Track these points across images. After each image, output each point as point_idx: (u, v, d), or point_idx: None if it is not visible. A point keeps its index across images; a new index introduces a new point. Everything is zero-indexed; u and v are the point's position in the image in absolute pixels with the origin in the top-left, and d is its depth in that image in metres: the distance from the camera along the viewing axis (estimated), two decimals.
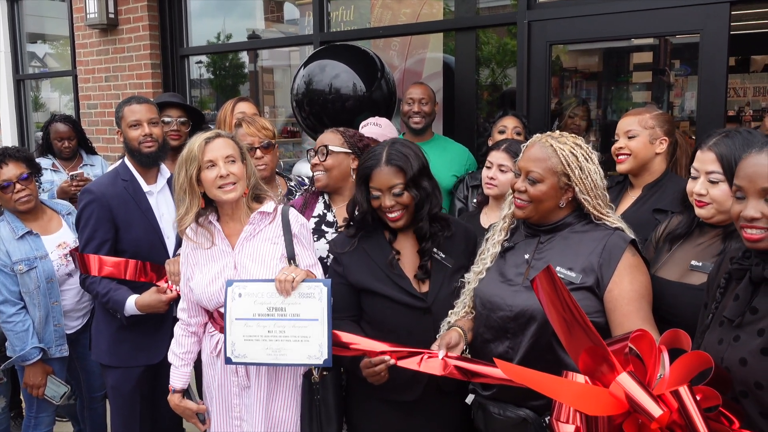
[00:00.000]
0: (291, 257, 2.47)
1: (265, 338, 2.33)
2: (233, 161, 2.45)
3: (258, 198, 2.57)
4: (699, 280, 2.15)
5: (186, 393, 2.64)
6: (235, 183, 2.44)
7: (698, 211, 2.19)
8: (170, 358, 2.67)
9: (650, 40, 6.47)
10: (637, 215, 2.76)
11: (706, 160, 2.13)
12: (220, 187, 2.42)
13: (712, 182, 2.12)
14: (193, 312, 2.62)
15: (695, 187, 2.17)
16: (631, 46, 6.78)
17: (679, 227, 2.32)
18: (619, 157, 2.89)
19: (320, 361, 2.30)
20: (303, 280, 2.31)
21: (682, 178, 2.93)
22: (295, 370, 2.52)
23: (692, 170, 2.20)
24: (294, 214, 2.56)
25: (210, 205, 2.53)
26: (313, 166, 2.93)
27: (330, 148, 2.88)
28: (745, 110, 7.67)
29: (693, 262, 2.20)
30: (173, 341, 2.68)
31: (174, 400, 2.63)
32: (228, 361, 2.38)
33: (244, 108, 3.59)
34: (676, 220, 2.37)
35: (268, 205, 2.53)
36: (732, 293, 1.78)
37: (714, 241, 2.20)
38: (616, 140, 2.92)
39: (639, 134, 2.85)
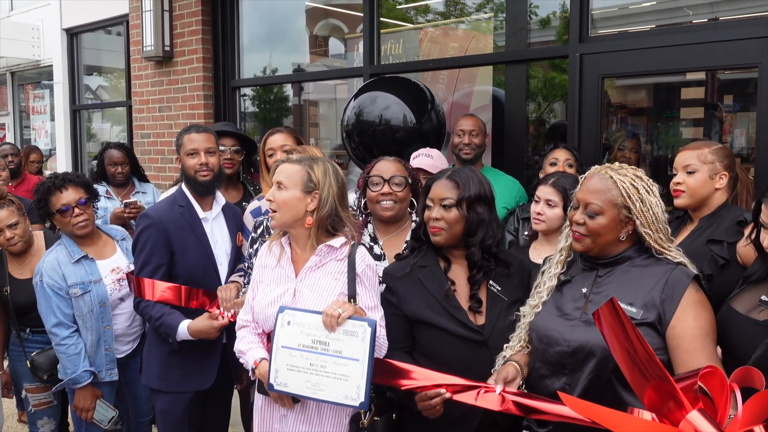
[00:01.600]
0: (351, 296, 2.42)
1: (306, 370, 2.29)
2: (280, 188, 2.46)
3: (331, 231, 2.51)
4: (763, 316, 2.09)
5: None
6: (275, 210, 2.45)
7: None
8: (238, 356, 2.60)
9: (700, 76, 6.39)
10: (691, 247, 2.69)
11: None
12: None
13: None
14: (254, 321, 2.60)
15: (765, 240, 2.12)
16: (679, 82, 6.70)
17: (756, 274, 2.25)
18: (676, 191, 2.84)
19: (356, 404, 2.23)
20: (350, 317, 2.26)
21: (739, 207, 2.87)
22: (340, 410, 2.45)
23: (761, 220, 2.13)
24: (362, 254, 2.51)
25: None
26: (382, 195, 2.86)
27: (408, 179, 2.88)
28: None
29: (763, 297, 2.13)
30: (237, 341, 2.60)
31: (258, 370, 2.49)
32: (270, 387, 2.36)
33: (274, 142, 3.58)
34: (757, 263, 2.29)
35: (337, 240, 2.48)
36: None
37: None
38: (675, 174, 2.86)
39: (698, 169, 2.79)
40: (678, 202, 2.84)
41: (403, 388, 2.31)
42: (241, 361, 2.59)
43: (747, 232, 2.61)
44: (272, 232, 2.66)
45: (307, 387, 2.30)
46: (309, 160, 2.51)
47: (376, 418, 2.41)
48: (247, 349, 2.54)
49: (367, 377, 2.22)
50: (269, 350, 2.43)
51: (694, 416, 1.56)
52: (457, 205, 2.41)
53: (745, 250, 2.63)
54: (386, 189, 2.86)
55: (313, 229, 2.47)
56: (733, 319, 2.17)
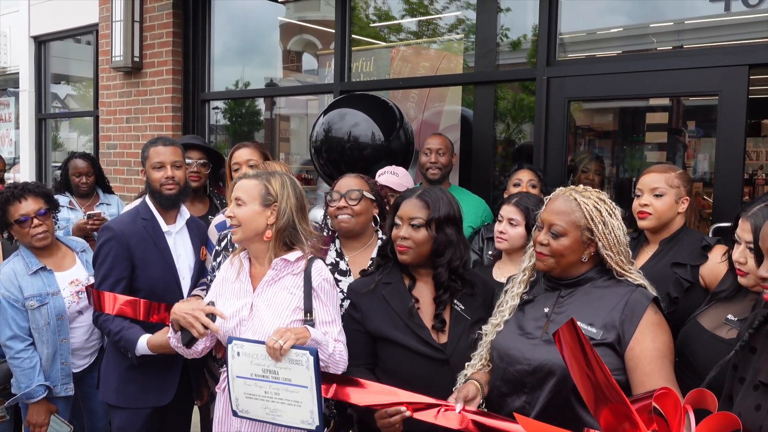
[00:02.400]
0: (308, 310, 2.43)
1: (263, 398, 2.31)
2: (239, 205, 2.46)
3: (289, 245, 2.51)
4: (729, 334, 2.13)
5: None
6: (236, 225, 2.45)
7: (740, 280, 2.17)
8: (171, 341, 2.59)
9: (665, 101, 6.53)
10: (655, 270, 2.73)
11: (745, 230, 2.10)
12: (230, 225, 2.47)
13: (751, 250, 2.08)
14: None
15: (735, 254, 2.15)
16: (645, 107, 6.84)
17: (726, 291, 2.30)
18: (641, 213, 2.87)
19: (312, 427, 2.25)
20: (292, 347, 2.25)
21: (696, 231, 2.94)
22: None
23: (736, 236, 2.17)
24: (318, 268, 2.51)
25: None
26: (338, 209, 2.88)
27: (364, 193, 2.88)
28: (758, 174, 7.67)
29: (729, 316, 2.17)
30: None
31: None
32: (234, 413, 2.38)
33: (240, 156, 3.56)
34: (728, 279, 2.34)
35: (292, 254, 2.49)
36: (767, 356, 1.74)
37: (752, 302, 2.17)
38: (639, 195, 2.89)
39: (666, 193, 2.83)
40: (643, 224, 2.88)
41: (362, 405, 2.31)
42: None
43: (716, 253, 2.67)
44: (237, 246, 2.64)
45: (266, 413, 2.32)
46: (266, 175, 2.53)
47: None
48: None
49: (318, 402, 2.24)
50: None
51: None
52: (426, 225, 2.42)
53: (708, 273, 2.70)
54: (342, 203, 2.88)
55: (272, 242, 2.48)
56: (699, 335, 2.21)
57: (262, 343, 2.28)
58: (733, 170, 3.63)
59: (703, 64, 3.71)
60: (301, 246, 2.51)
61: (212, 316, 2.45)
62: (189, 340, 2.45)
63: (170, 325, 2.52)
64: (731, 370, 1.87)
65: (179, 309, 2.46)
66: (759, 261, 1.98)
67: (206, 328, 2.41)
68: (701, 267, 2.74)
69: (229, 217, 2.46)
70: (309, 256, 2.52)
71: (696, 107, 6.78)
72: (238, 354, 2.32)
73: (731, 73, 3.62)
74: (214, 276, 2.88)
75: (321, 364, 2.31)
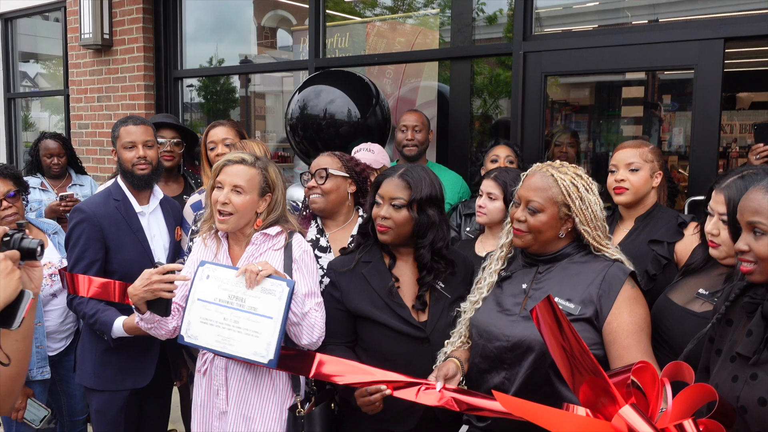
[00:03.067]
0: None
1: (219, 324, 2.31)
2: (239, 192, 2.41)
3: (271, 226, 2.52)
4: (701, 308, 2.15)
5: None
6: (231, 214, 2.40)
7: (711, 252, 2.18)
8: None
9: (640, 76, 6.55)
10: (632, 247, 2.75)
11: (718, 201, 2.10)
12: (218, 212, 2.41)
13: (724, 222, 2.09)
14: None
15: (708, 225, 2.16)
16: (621, 81, 6.86)
17: (696, 262, 2.32)
18: (618, 189, 2.87)
19: (264, 361, 2.25)
20: (269, 276, 2.27)
21: (670, 208, 2.97)
22: (280, 403, 2.47)
23: (709, 208, 2.18)
24: (298, 240, 2.52)
25: None
26: (309, 189, 2.89)
27: (330, 171, 2.86)
28: (732, 146, 7.76)
29: (701, 290, 2.19)
30: None
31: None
32: (180, 339, 2.37)
33: (216, 135, 3.54)
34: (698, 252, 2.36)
35: (272, 229, 2.49)
36: (744, 328, 1.76)
37: (723, 275, 2.19)
38: (614, 171, 2.90)
39: (641, 167, 2.84)
40: (620, 199, 2.88)
41: (342, 383, 2.30)
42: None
43: (692, 230, 2.69)
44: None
45: (216, 341, 2.31)
46: (261, 162, 2.51)
47: (313, 409, 2.42)
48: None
49: (279, 336, 2.24)
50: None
51: (626, 411, 1.59)
52: (407, 206, 2.40)
53: (682, 249, 2.71)
54: (312, 183, 2.88)
55: (255, 228, 2.50)
56: (671, 310, 2.23)
57: (237, 268, 2.30)
58: (709, 143, 3.65)
59: (679, 37, 3.70)
60: (281, 224, 2.52)
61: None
62: (165, 308, 2.37)
63: (135, 309, 2.43)
64: (707, 342, 1.89)
65: (135, 288, 2.34)
66: (734, 234, 2.00)
67: (172, 282, 2.33)
68: (677, 244, 2.76)
69: (225, 203, 2.39)
70: (289, 230, 2.52)
71: (671, 81, 6.81)
72: (207, 277, 2.33)
73: (707, 46, 3.62)
74: None
75: (294, 319, 2.33)
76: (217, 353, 2.38)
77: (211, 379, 2.50)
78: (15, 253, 1.47)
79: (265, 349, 2.25)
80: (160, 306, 2.37)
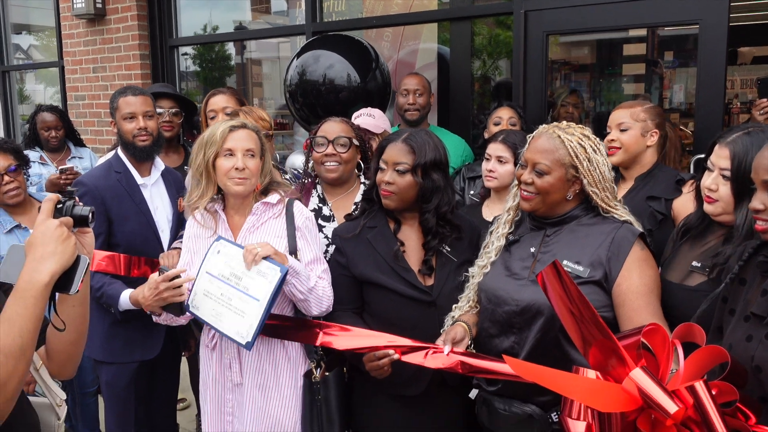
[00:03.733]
0: (293, 251, 2.42)
1: (216, 299, 2.34)
2: (252, 156, 2.41)
3: (266, 192, 2.52)
4: (695, 281, 2.13)
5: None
6: (247, 178, 2.39)
7: (706, 207, 2.14)
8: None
9: (641, 33, 6.46)
10: (631, 204, 2.71)
11: (721, 156, 2.07)
12: (231, 178, 2.38)
13: (724, 178, 2.07)
14: None
15: (707, 180, 2.12)
16: (622, 38, 6.77)
17: (691, 219, 2.29)
18: (611, 149, 2.88)
19: (243, 342, 2.28)
20: (267, 258, 2.27)
21: (671, 168, 2.96)
22: (294, 371, 2.49)
23: (709, 162, 2.14)
24: (299, 207, 2.51)
25: (218, 192, 2.49)
26: (327, 156, 2.80)
27: (353, 141, 2.83)
28: (733, 102, 7.69)
29: (693, 263, 2.17)
30: None
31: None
32: (186, 307, 2.39)
33: (216, 103, 3.50)
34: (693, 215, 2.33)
35: (273, 197, 2.48)
36: (759, 288, 1.74)
37: (718, 242, 2.15)
38: (608, 132, 2.93)
39: (631, 127, 2.87)
40: (612, 159, 2.85)
41: (349, 349, 2.32)
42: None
43: (688, 187, 2.68)
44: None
45: (211, 315, 2.35)
46: (255, 126, 2.52)
47: (326, 373, 2.43)
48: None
49: (261, 320, 2.26)
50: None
51: (637, 373, 1.58)
52: (411, 171, 2.37)
53: (679, 206, 2.71)
54: (330, 150, 2.79)
55: (255, 193, 2.49)
56: (669, 290, 2.18)
57: (243, 247, 2.32)
58: (714, 101, 3.61)
59: None
60: (277, 189, 2.51)
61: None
62: (179, 308, 2.40)
63: (151, 314, 2.47)
64: (720, 302, 1.87)
65: (146, 299, 2.38)
66: (738, 191, 1.99)
67: (180, 286, 2.35)
68: (674, 201, 2.76)
69: (243, 168, 2.36)
70: (287, 198, 2.51)
71: (672, 37, 6.72)
72: (218, 252, 2.36)
73: (712, 0, 3.55)
74: None
75: (299, 296, 2.35)
76: (209, 326, 2.42)
77: (222, 353, 2.50)
78: (69, 219, 1.50)
79: (246, 331, 2.27)
80: (174, 307, 2.39)
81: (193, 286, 2.37)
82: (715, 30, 3.56)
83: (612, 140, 2.89)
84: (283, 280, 2.25)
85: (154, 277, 2.36)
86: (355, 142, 2.84)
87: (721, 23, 3.54)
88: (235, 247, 2.34)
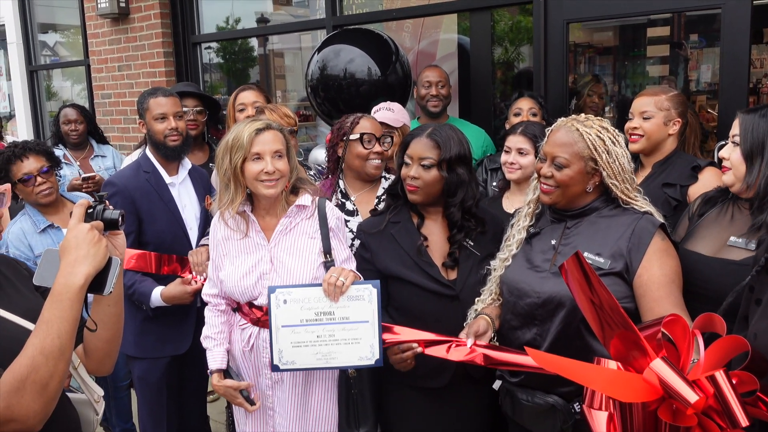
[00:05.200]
0: (327, 251, 2.45)
1: (314, 343, 2.30)
2: (280, 156, 2.40)
3: (295, 190, 2.52)
4: (739, 256, 2.10)
5: (226, 373, 2.57)
6: (278, 180, 2.39)
7: (723, 178, 2.18)
8: (203, 341, 2.61)
9: (666, 14, 6.37)
10: (647, 191, 2.70)
11: (735, 125, 2.11)
12: (262, 181, 2.37)
13: (734, 144, 2.09)
14: (222, 294, 2.59)
15: (723, 151, 2.15)
16: (645, 20, 6.69)
17: (713, 191, 2.31)
18: (632, 137, 2.89)
19: (372, 362, 2.29)
20: (352, 283, 2.28)
21: (689, 155, 2.96)
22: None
23: (730, 134, 2.15)
24: (330, 207, 2.53)
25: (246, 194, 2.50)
26: (375, 153, 2.87)
27: (395, 138, 2.91)
28: (762, 82, 7.54)
29: (732, 238, 2.14)
30: (205, 325, 2.63)
31: (213, 380, 2.55)
32: (275, 368, 2.34)
33: (245, 98, 3.56)
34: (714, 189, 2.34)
35: (305, 198, 2.48)
36: None
37: (746, 212, 2.15)
38: (630, 119, 2.93)
39: (654, 115, 2.86)
40: (634, 147, 2.89)
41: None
42: (204, 346, 2.60)
43: (707, 174, 2.67)
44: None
45: (317, 359, 2.31)
46: (276, 125, 2.50)
47: None
48: (212, 344, 2.57)
49: (379, 334, 2.27)
50: (253, 322, 2.47)
51: (657, 363, 1.60)
52: (437, 165, 2.40)
53: (695, 193, 2.68)
54: (378, 148, 2.87)
55: (286, 192, 2.48)
56: (703, 264, 2.16)
57: (315, 285, 2.30)
58: (738, 86, 3.56)
59: None
60: (306, 189, 2.52)
61: (246, 393, 2.51)
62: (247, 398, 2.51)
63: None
64: (747, 291, 1.87)
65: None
66: (747, 154, 2.03)
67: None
68: (690, 187, 2.76)
69: (273, 171, 2.37)
70: (317, 198, 2.53)
71: (698, 17, 6.61)
72: (285, 302, 2.30)
73: None
74: None
75: None
76: (321, 369, 2.41)
77: (260, 353, 2.51)
78: (99, 223, 1.55)
79: (369, 352, 2.28)
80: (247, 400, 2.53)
81: (272, 346, 2.33)
82: (738, 13, 3.50)
83: (634, 128, 2.89)
84: (380, 291, 2.28)
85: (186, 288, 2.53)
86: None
87: (745, 5, 3.49)
88: (303, 289, 2.32)
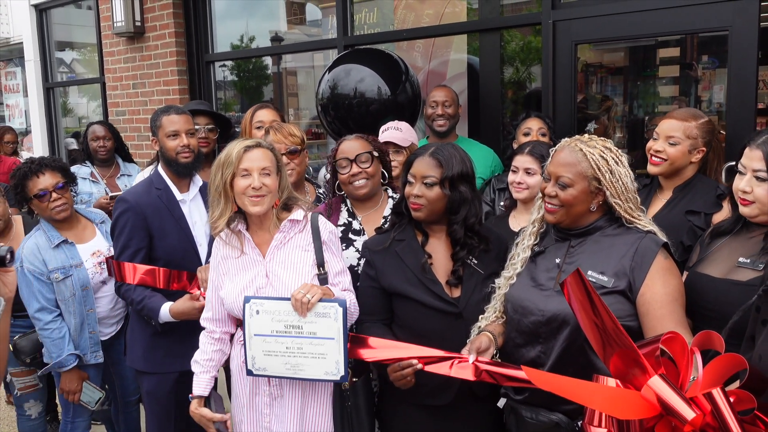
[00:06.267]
0: (321, 264, 2.49)
1: (283, 354, 2.36)
2: (268, 174, 2.45)
3: (287, 207, 2.57)
4: (746, 276, 2.12)
5: (206, 401, 2.63)
6: (264, 196, 2.44)
7: (742, 210, 2.17)
8: (192, 365, 2.67)
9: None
10: (669, 217, 2.75)
11: (753, 158, 2.09)
12: (249, 197, 2.43)
13: (758, 179, 2.08)
14: (218, 320, 2.64)
15: (740, 183, 2.14)
16: (656, 42, 6.71)
17: (725, 224, 2.31)
18: (654, 159, 2.86)
19: (337, 378, 2.34)
20: (319, 300, 2.31)
21: (710, 179, 2.92)
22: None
23: (740, 166, 2.16)
24: (323, 221, 2.58)
25: (239, 212, 2.54)
26: (352, 176, 2.88)
27: (374, 153, 2.91)
28: None
29: (741, 259, 2.16)
30: (198, 350, 2.68)
31: (192, 406, 2.62)
32: (249, 372, 2.42)
33: (264, 116, 3.64)
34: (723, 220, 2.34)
35: (298, 213, 2.53)
36: None
37: (759, 238, 2.16)
38: (655, 138, 2.88)
39: (680, 142, 2.81)
40: (654, 169, 2.87)
41: (375, 360, 2.38)
42: (192, 369, 2.67)
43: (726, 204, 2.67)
44: None
45: (286, 369, 2.38)
46: (269, 144, 2.57)
47: (354, 380, 2.49)
48: (199, 370, 2.64)
49: (344, 352, 2.31)
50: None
51: (655, 381, 1.61)
52: (439, 183, 2.44)
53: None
54: (355, 169, 2.88)
55: (277, 208, 2.53)
56: (711, 285, 2.19)
57: (285, 299, 2.34)
58: (746, 109, 3.59)
59: None
60: (299, 205, 2.56)
61: (218, 424, 2.57)
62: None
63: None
64: (754, 311, 1.88)
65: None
66: None
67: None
68: (715, 215, 2.72)
69: (259, 188, 2.42)
70: (310, 213, 2.57)
71: (710, 38, 6.63)
72: (257, 312, 2.37)
73: (741, 6, 3.54)
74: None
75: None
76: (289, 379, 2.45)
77: None
78: None
79: (335, 368, 2.32)
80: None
81: (246, 352, 2.41)
82: (746, 35, 3.54)
83: (658, 150, 2.84)
84: (345, 311, 2.31)
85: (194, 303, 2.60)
86: (375, 154, 2.92)
87: (752, 29, 3.52)
88: (275, 302, 2.38)
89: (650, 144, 2.90)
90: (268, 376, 2.45)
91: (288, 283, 2.46)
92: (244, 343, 2.41)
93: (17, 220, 3.78)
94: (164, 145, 3.15)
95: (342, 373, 2.32)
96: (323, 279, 2.47)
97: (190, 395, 2.63)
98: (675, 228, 2.58)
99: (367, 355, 2.41)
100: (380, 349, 2.38)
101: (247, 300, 2.39)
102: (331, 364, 2.32)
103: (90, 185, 4.79)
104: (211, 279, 2.64)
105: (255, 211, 2.45)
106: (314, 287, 2.34)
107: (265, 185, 2.43)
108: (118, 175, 4.97)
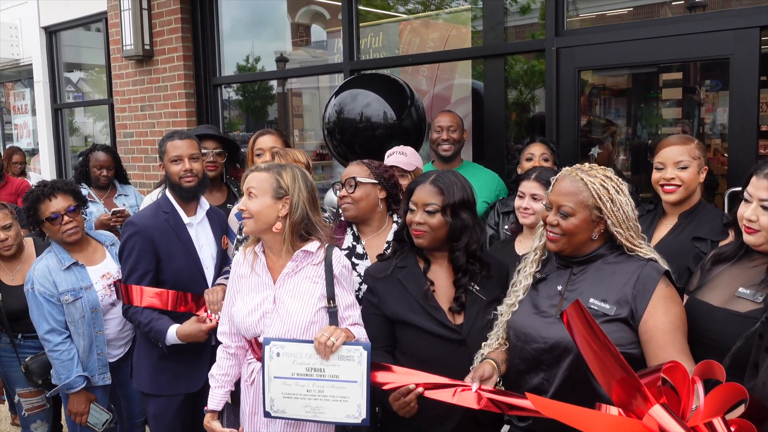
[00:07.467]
0: (330, 297, 2.50)
1: (304, 396, 2.34)
2: (252, 196, 2.49)
3: (304, 237, 2.55)
4: (745, 308, 2.13)
5: (220, 415, 2.65)
6: (250, 218, 2.48)
7: (746, 238, 2.17)
8: (209, 379, 2.70)
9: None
10: (675, 243, 2.77)
11: (760, 187, 2.10)
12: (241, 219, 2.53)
13: (764, 208, 2.09)
14: (232, 335, 2.66)
15: (746, 212, 2.15)
16: (657, 67, 6.77)
17: (727, 250, 2.31)
18: (667, 188, 2.87)
19: (358, 420, 2.31)
20: (343, 343, 2.31)
21: (714, 206, 2.95)
22: None
23: (746, 194, 2.17)
24: (337, 255, 2.58)
25: None
26: (341, 199, 3.01)
27: (357, 179, 2.97)
28: None
29: (741, 289, 2.16)
30: (215, 364, 2.71)
31: (205, 419, 2.64)
32: (267, 414, 2.40)
33: (263, 143, 3.66)
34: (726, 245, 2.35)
35: (312, 245, 2.54)
36: None
37: (762, 268, 2.17)
38: (660, 168, 2.89)
39: (689, 165, 2.84)
40: (672, 198, 2.88)
41: (377, 384, 2.37)
42: (209, 383, 2.70)
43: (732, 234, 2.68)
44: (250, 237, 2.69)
45: (306, 411, 2.35)
46: (277, 167, 2.57)
47: None
48: (215, 384, 2.68)
49: (367, 395, 2.29)
50: (259, 358, 2.50)
51: (657, 410, 1.63)
52: (441, 211, 2.47)
53: None
54: (342, 192, 2.99)
55: (287, 235, 2.50)
56: (709, 313, 2.20)
57: (308, 342, 2.33)
58: (747, 134, 3.63)
59: (713, 27, 3.68)
60: (317, 236, 2.56)
61: None
62: None
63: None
64: (757, 339, 1.89)
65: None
66: None
67: None
68: (721, 243, 2.70)
69: (241, 209, 2.50)
70: (326, 245, 2.59)
71: (712, 61, 6.68)
72: (278, 354, 2.35)
73: (742, 35, 3.59)
74: None
75: None
76: (309, 421, 2.44)
77: (260, 389, 2.53)
78: None
79: (356, 411, 2.30)
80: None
81: (264, 393, 2.39)
82: (747, 64, 3.59)
83: (671, 178, 2.85)
84: (370, 354, 2.30)
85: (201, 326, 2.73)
86: (362, 180, 2.97)
87: (752, 57, 3.57)
88: (296, 344, 2.36)
89: (658, 175, 2.90)
90: (287, 418, 2.43)
91: (293, 312, 2.48)
92: (263, 384, 2.39)
93: (29, 242, 3.83)
94: (169, 170, 3.20)
95: (364, 416, 2.29)
96: (332, 312, 2.49)
97: (205, 408, 2.65)
98: (681, 254, 2.59)
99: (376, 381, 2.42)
100: (388, 374, 2.39)
101: (267, 342, 2.37)
102: (353, 407, 2.30)
103: (89, 205, 4.82)
104: (228, 293, 2.68)
105: (244, 231, 2.55)
106: (337, 330, 2.33)
107: (247, 207, 2.49)
108: (116, 195, 4.99)
